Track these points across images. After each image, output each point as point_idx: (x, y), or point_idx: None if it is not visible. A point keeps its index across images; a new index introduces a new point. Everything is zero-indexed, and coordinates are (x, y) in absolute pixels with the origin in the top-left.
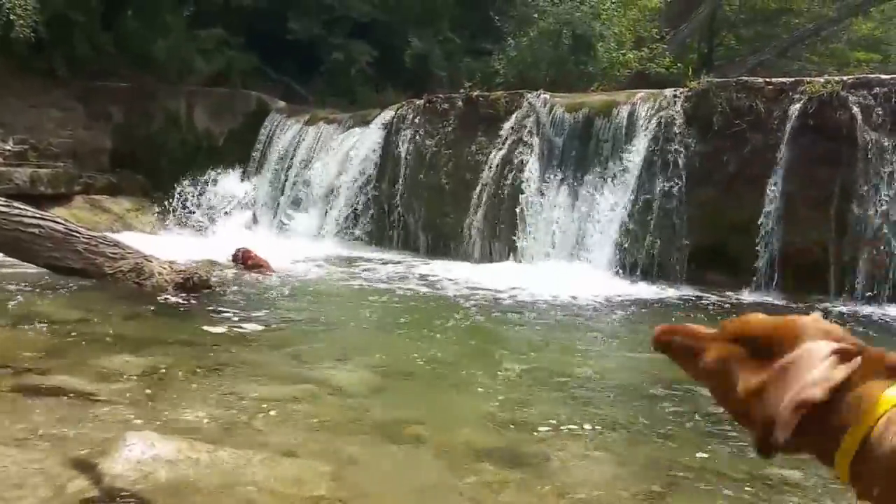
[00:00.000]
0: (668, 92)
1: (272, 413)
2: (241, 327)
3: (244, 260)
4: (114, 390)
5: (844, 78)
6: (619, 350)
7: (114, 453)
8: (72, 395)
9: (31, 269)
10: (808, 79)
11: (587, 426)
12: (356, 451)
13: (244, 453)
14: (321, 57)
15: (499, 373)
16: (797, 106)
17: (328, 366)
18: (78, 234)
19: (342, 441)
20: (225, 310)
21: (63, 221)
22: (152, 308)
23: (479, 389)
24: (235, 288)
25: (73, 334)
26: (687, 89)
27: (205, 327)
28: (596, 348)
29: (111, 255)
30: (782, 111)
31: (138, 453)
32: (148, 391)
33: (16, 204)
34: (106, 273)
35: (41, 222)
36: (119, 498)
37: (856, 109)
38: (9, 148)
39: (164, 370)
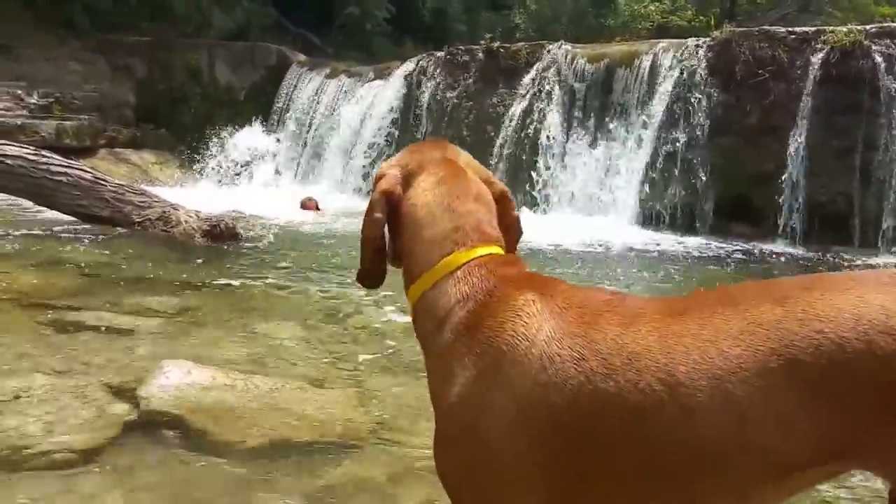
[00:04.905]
0: (691, 42)
1: (301, 349)
2: (267, 272)
3: (307, 205)
4: (146, 326)
5: (867, 27)
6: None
7: (152, 380)
8: (106, 329)
9: (57, 216)
10: (831, 28)
11: None
12: (384, 384)
13: (276, 381)
14: (339, 10)
15: None
16: (820, 55)
17: (354, 308)
18: (105, 183)
19: (370, 375)
20: (251, 256)
21: (90, 170)
22: (180, 254)
23: None
24: (261, 236)
25: (103, 276)
26: (710, 39)
27: (232, 272)
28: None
29: (138, 203)
30: (805, 61)
31: (175, 380)
32: (179, 327)
33: (43, 152)
34: (133, 221)
35: (68, 170)
36: (159, 420)
37: (879, 58)
38: (34, 101)
39: (194, 310)
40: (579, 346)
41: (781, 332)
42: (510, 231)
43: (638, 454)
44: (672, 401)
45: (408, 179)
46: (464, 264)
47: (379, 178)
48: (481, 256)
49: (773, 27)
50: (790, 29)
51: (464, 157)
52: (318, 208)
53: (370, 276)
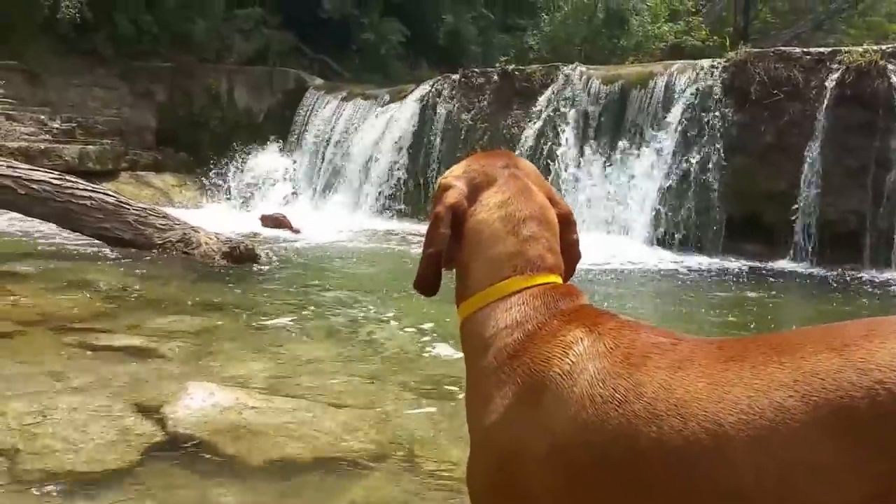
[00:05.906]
0: (706, 62)
1: (323, 369)
2: (287, 292)
3: (272, 221)
4: (169, 347)
5: (883, 47)
6: (659, 317)
7: (176, 401)
8: (129, 351)
9: (80, 239)
10: (847, 48)
11: None
12: (405, 405)
13: (297, 402)
14: (355, 35)
15: None
16: (835, 76)
17: (376, 328)
18: (128, 206)
19: (391, 395)
20: (271, 277)
21: (114, 194)
22: (200, 276)
23: None
24: (280, 258)
25: (126, 298)
26: (725, 60)
27: (252, 293)
28: (636, 314)
29: (160, 226)
30: (820, 81)
31: (199, 401)
32: (202, 348)
33: (67, 177)
34: (155, 243)
35: (93, 194)
36: (183, 441)
37: (894, 78)
38: (57, 126)
39: (215, 330)
40: (623, 388)
41: (838, 383)
42: (568, 255)
43: (675, 500)
44: (716, 450)
45: (474, 193)
46: (519, 291)
47: (444, 189)
48: (538, 286)
49: (789, 48)
50: (805, 49)
51: (532, 174)
52: (292, 228)
53: (428, 288)
